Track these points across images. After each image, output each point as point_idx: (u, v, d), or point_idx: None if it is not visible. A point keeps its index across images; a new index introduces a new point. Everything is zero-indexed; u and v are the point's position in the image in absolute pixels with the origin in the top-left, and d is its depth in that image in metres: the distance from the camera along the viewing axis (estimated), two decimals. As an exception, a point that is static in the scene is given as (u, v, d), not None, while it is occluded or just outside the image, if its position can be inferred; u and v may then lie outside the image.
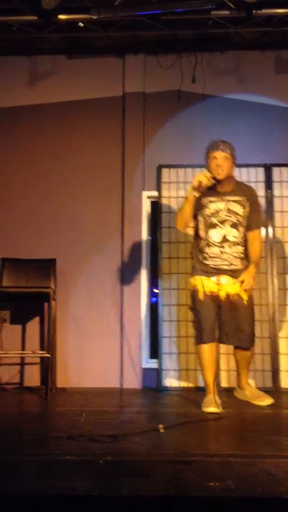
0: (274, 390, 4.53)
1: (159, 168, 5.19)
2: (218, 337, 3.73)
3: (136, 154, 5.23)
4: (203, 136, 5.15)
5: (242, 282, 3.66)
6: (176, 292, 4.97)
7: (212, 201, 3.70)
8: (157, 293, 5.08)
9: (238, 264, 3.69)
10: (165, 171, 5.18)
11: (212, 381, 3.66)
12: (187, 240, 5.03)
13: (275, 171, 5.09)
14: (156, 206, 5.20)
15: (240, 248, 3.70)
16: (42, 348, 5.03)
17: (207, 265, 3.70)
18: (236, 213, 3.69)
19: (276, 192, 5.05)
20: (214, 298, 3.67)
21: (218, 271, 3.68)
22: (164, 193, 5.15)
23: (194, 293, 3.73)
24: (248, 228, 3.76)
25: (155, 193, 5.20)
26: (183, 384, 4.79)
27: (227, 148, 3.69)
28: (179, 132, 5.25)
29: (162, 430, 2.73)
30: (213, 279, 3.69)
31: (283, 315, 4.87)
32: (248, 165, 4.90)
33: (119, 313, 5.10)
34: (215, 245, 3.67)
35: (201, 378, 4.70)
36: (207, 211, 3.70)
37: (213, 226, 3.68)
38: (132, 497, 2.33)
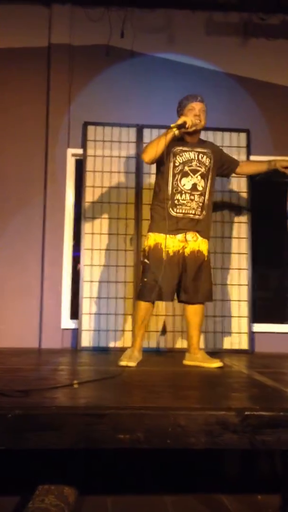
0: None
1: (85, 125, 5.05)
2: (179, 296, 3.74)
3: (61, 109, 5.05)
4: (131, 95, 5.10)
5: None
6: (98, 253, 4.91)
7: (184, 151, 3.72)
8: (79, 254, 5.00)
9: (201, 214, 3.72)
10: (91, 129, 5.05)
11: (141, 336, 3.72)
12: (110, 201, 4.98)
13: (202, 135, 5.06)
14: (81, 164, 5.08)
15: (204, 199, 3.73)
16: None
17: (174, 217, 3.65)
18: (205, 165, 3.75)
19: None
20: (177, 257, 3.66)
21: (184, 227, 3.67)
22: (90, 151, 5.03)
23: (155, 251, 3.63)
24: (234, 168, 4.00)
25: (80, 151, 5.07)
26: (103, 344, 4.78)
27: (204, 100, 3.78)
28: (107, 89, 5.11)
29: (76, 386, 2.70)
30: (179, 236, 3.67)
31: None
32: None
33: (40, 272, 4.99)
34: (186, 192, 3.67)
35: (120, 338, 4.78)
36: (180, 159, 3.70)
37: (185, 174, 3.69)
38: (42, 450, 2.30)
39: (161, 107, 4.97)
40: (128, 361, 3.54)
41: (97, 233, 4.94)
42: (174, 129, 3.57)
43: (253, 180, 5.11)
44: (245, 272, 4.98)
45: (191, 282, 3.68)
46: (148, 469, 2.95)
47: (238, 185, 5.07)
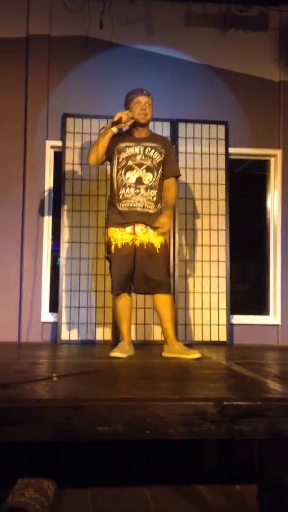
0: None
1: (64, 117, 5.01)
2: (134, 287, 3.77)
3: (40, 101, 5.00)
4: (110, 86, 5.07)
5: (156, 227, 3.71)
6: (78, 246, 4.89)
7: (129, 146, 3.76)
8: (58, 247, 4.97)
9: (151, 208, 3.73)
10: (70, 121, 5.01)
11: (126, 330, 3.79)
12: (91, 193, 4.96)
13: (181, 126, 5.09)
14: (60, 156, 5.04)
15: (154, 192, 3.75)
16: None
17: (121, 212, 3.71)
18: (152, 158, 3.76)
19: (181, 148, 5.06)
20: (128, 249, 3.70)
21: (132, 220, 3.70)
22: (69, 143, 5.00)
23: (108, 245, 3.78)
24: (165, 176, 3.86)
25: (59, 143, 5.03)
26: (82, 337, 4.77)
27: (149, 94, 3.82)
28: (86, 80, 5.06)
29: (55, 379, 2.70)
30: (128, 229, 3.71)
31: (181, 271, 4.97)
32: (154, 119, 4.82)
33: (19, 265, 4.95)
34: (130, 186, 3.71)
35: (100, 331, 4.79)
36: (124, 155, 3.75)
37: (130, 168, 3.73)
38: (21, 444, 2.30)
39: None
40: (118, 353, 3.60)
41: (76, 226, 4.92)
42: (110, 127, 3.66)
43: (233, 172, 5.14)
44: (224, 264, 5.00)
45: (138, 272, 3.71)
46: (127, 461, 2.97)
47: (217, 177, 5.08)
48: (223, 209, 5.05)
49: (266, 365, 3.67)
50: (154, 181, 3.74)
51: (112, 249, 3.72)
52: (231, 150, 5.15)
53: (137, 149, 3.75)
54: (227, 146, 5.12)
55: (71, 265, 4.87)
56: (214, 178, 5.08)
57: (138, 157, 3.74)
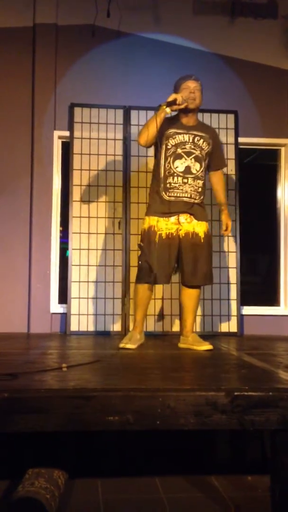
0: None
1: (72, 107, 4.97)
2: (183, 280, 3.72)
3: (47, 91, 4.95)
4: (118, 75, 5.03)
5: (225, 230, 3.89)
6: (86, 236, 4.87)
7: (178, 133, 3.67)
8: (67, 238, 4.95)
9: (197, 199, 3.69)
10: (77, 111, 4.97)
11: (141, 319, 3.75)
12: (99, 184, 4.93)
13: (190, 116, 5.03)
14: (67, 147, 5.01)
15: (200, 183, 3.70)
16: None
17: (167, 201, 3.63)
18: (201, 148, 3.70)
19: (190, 137, 5.01)
20: (171, 240, 3.63)
21: (177, 210, 3.64)
22: (77, 133, 4.96)
23: (149, 234, 3.64)
24: (214, 168, 3.88)
25: (66, 133, 4.99)
26: (91, 328, 4.76)
27: (198, 80, 3.73)
28: (93, 69, 5.02)
29: (65, 369, 2.69)
30: (172, 219, 3.65)
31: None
32: (162, 108, 4.80)
33: (27, 256, 4.94)
34: (179, 175, 3.64)
35: (109, 322, 4.77)
36: (173, 141, 3.66)
37: (178, 156, 3.65)
38: (32, 434, 2.29)
39: (148, 88, 4.91)
40: (128, 343, 3.58)
41: (85, 216, 4.90)
42: (165, 107, 3.52)
43: (242, 162, 5.09)
44: (234, 255, 4.97)
45: (188, 264, 3.66)
46: (138, 451, 2.96)
47: (226, 167, 5.02)
48: (233, 199, 5.01)
49: (277, 355, 3.64)
50: (201, 172, 3.69)
51: (156, 239, 3.60)
52: (240, 139, 5.10)
53: (186, 137, 3.66)
54: (236, 135, 5.07)
55: (80, 256, 4.85)
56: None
57: (188, 146, 3.65)
